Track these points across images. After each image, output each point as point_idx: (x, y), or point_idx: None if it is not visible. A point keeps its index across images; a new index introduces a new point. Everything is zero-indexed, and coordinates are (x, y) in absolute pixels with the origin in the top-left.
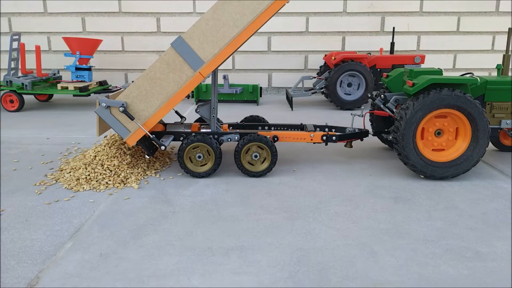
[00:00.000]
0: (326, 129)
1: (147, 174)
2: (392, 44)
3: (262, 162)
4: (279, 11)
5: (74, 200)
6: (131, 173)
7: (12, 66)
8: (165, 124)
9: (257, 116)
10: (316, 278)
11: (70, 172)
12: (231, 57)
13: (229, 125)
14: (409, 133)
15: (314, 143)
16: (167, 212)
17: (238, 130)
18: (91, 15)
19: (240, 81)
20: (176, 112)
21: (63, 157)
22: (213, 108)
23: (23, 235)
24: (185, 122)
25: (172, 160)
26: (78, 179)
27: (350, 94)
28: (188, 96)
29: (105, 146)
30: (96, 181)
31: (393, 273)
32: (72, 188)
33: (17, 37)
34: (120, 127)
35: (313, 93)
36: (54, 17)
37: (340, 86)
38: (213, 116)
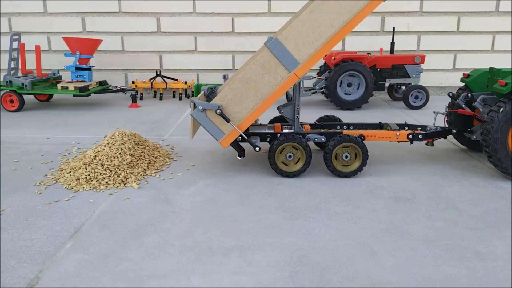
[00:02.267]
0: (406, 128)
1: (147, 174)
2: (392, 44)
3: (353, 163)
4: (279, 11)
5: (74, 200)
6: (131, 173)
7: (12, 66)
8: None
9: (333, 116)
10: (316, 278)
11: (70, 172)
12: (231, 56)
13: (309, 125)
14: (502, 134)
15: (399, 142)
16: (167, 212)
17: (322, 130)
18: (91, 15)
19: None
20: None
21: (63, 157)
22: (297, 108)
23: (23, 235)
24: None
25: (172, 160)
26: (78, 179)
27: (350, 94)
28: (188, 96)
29: (105, 146)
30: (96, 181)
31: (393, 273)
32: (72, 188)
33: (17, 37)
34: (215, 129)
35: (313, 93)
36: (54, 17)
37: (340, 86)
38: (297, 116)
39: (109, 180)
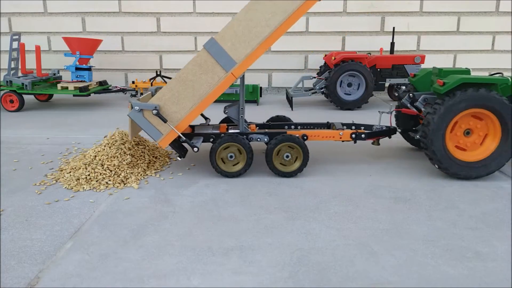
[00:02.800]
0: (353, 127)
1: (147, 174)
2: (392, 44)
3: (294, 162)
4: None
5: (74, 200)
6: (131, 173)
7: (12, 66)
8: (192, 126)
9: (284, 116)
10: (316, 278)
11: (70, 172)
12: None
13: (256, 125)
14: (439, 128)
15: (343, 141)
16: (167, 212)
17: (266, 130)
18: (91, 15)
19: None
20: (201, 114)
21: (63, 157)
22: (241, 108)
23: (23, 235)
24: (209, 123)
25: (172, 160)
26: (78, 179)
27: (350, 94)
28: None
29: (105, 146)
30: (96, 181)
31: (393, 273)
32: (72, 188)
33: (17, 37)
34: (153, 129)
35: (313, 93)
36: (54, 17)
37: (340, 86)
38: (241, 116)
39: (109, 180)
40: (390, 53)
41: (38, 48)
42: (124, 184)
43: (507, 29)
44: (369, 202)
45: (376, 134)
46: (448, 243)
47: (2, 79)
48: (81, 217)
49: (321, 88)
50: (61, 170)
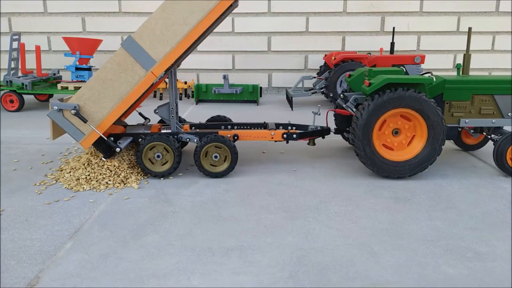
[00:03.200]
0: (289, 127)
1: (147, 174)
2: (392, 44)
3: (223, 162)
4: (279, 11)
5: (74, 200)
6: (131, 173)
7: (12, 66)
8: (126, 126)
9: (224, 116)
10: (316, 278)
11: (70, 172)
12: (231, 57)
13: (192, 125)
14: (364, 132)
15: (275, 141)
16: (167, 212)
17: (198, 130)
18: (91, 15)
19: (240, 81)
20: (140, 113)
21: (63, 157)
22: (172, 108)
23: (23, 235)
24: (148, 123)
25: None
26: (78, 179)
27: None
28: (188, 96)
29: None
30: (96, 181)
31: (393, 273)
32: (72, 188)
33: (17, 37)
34: (74, 130)
35: (313, 93)
36: (54, 17)
37: (340, 86)
38: (172, 116)
39: (109, 180)
40: (390, 53)
41: (38, 48)
42: (124, 184)
43: (507, 29)
44: (369, 202)
45: (308, 134)
46: (448, 243)
47: (2, 79)
48: (81, 217)
49: (321, 88)
50: (61, 170)
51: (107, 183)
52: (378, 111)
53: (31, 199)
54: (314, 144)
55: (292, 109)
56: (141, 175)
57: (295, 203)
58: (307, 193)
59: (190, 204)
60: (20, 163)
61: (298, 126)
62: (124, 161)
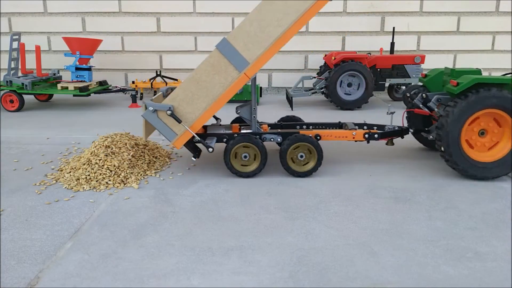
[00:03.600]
0: (365, 127)
1: (147, 174)
2: (392, 44)
3: (308, 162)
4: None
5: (74, 200)
6: (131, 173)
7: (12, 66)
8: (205, 127)
9: (293, 116)
10: (316, 278)
11: (70, 172)
12: None
13: (268, 125)
14: (454, 132)
15: (355, 141)
16: (167, 212)
17: (279, 130)
18: (91, 15)
19: None
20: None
21: (63, 157)
22: (254, 108)
23: (23, 235)
24: (220, 123)
25: (172, 160)
26: (78, 179)
27: (350, 94)
28: None
29: (104, 146)
30: (96, 181)
31: (393, 273)
32: (72, 188)
33: (17, 37)
34: (167, 130)
35: (313, 93)
36: (54, 17)
37: (340, 86)
38: (254, 116)
39: (109, 180)
40: (390, 53)
41: (38, 48)
42: (124, 184)
43: (507, 29)
44: (369, 202)
45: (389, 134)
46: (448, 243)
47: (2, 79)
48: (81, 217)
49: (321, 88)
50: (61, 170)
51: (107, 183)
52: (469, 110)
53: (31, 199)
54: (392, 144)
55: (292, 109)
56: (141, 175)
57: (295, 203)
58: (307, 193)
59: (190, 204)
60: (20, 163)
61: (374, 126)
62: (124, 161)
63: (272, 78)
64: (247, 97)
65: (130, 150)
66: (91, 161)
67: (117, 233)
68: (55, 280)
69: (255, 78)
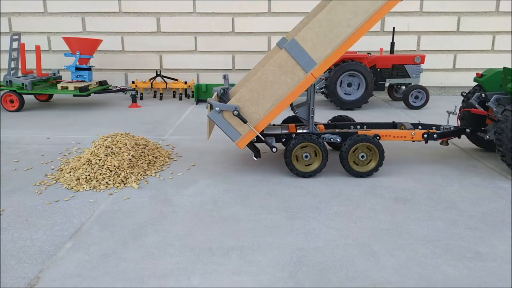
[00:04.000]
0: (419, 127)
1: (147, 174)
2: (392, 44)
3: (369, 162)
4: (279, 11)
5: (74, 200)
6: (131, 173)
7: (12, 66)
8: None
9: (346, 116)
10: (316, 278)
11: (70, 172)
12: (231, 56)
13: (323, 125)
14: None
15: (413, 141)
16: (167, 212)
17: (337, 130)
18: (91, 15)
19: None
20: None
21: (63, 157)
22: (312, 108)
23: (23, 235)
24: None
25: (172, 160)
26: (78, 179)
27: (350, 94)
28: (188, 96)
29: (104, 146)
30: (96, 181)
31: (393, 273)
32: (72, 188)
33: (17, 37)
34: (232, 130)
35: None
36: (54, 17)
37: (340, 86)
38: (312, 116)
39: (109, 180)
40: (390, 53)
41: (38, 48)
42: (124, 184)
43: (507, 29)
44: (369, 202)
45: (446, 134)
46: (448, 243)
47: (2, 79)
48: (81, 217)
49: (321, 88)
50: (61, 170)
51: (107, 183)
52: None
53: (31, 199)
54: (447, 144)
55: (292, 109)
56: (141, 175)
57: (295, 203)
58: (307, 193)
59: (190, 204)
60: (20, 163)
61: (432, 126)
62: (124, 161)
63: None
64: None
65: (130, 150)
66: (91, 161)
67: (117, 233)
68: (55, 280)
69: None
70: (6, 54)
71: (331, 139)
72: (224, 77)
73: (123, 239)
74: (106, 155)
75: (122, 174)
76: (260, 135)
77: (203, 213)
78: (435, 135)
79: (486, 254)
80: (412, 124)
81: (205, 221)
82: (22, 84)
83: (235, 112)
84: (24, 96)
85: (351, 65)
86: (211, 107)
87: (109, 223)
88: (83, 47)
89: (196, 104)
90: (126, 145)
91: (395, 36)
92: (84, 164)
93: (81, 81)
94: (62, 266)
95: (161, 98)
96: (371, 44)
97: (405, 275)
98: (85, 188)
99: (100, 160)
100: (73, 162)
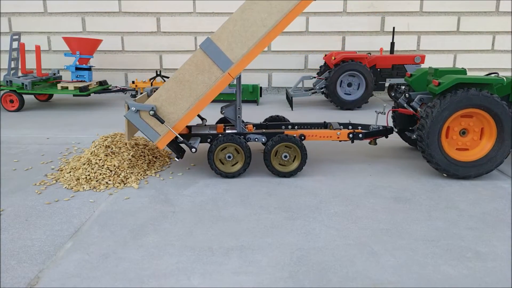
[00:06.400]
0: (350, 127)
1: (147, 174)
2: (392, 44)
3: (293, 162)
4: None
5: (74, 200)
6: (131, 173)
7: (12, 66)
8: (189, 127)
9: (278, 116)
10: (316, 278)
11: (70, 172)
12: None
13: (253, 125)
14: (434, 131)
15: (340, 141)
16: (167, 212)
17: (264, 130)
18: (91, 15)
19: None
20: (198, 114)
21: (63, 157)
22: (239, 108)
23: (23, 235)
24: (206, 123)
25: (172, 160)
26: (78, 179)
27: (350, 94)
28: None
29: (104, 146)
30: (96, 181)
31: (393, 273)
32: (72, 188)
33: (17, 37)
34: (150, 130)
35: (313, 93)
36: (54, 17)
37: (340, 86)
38: (239, 116)
39: (109, 180)
40: (390, 53)
41: (38, 48)
42: (124, 184)
43: (507, 29)
44: (369, 202)
45: (373, 134)
46: (448, 243)
47: (2, 79)
48: (81, 217)
49: (321, 88)
50: (61, 170)
51: (107, 183)
52: (449, 110)
53: (31, 199)
54: (375, 143)
55: (292, 109)
56: (141, 175)
57: (295, 203)
58: (307, 193)
59: (190, 204)
60: (20, 163)
61: (359, 126)
62: (124, 161)
63: (272, 78)
64: (246, 97)
65: (130, 150)
66: (91, 161)
67: (117, 233)
68: (55, 280)
69: (239, 77)
70: (6, 54)
71: (256, 139)
72: None
73: (123, 239)
74: (106, 155)
75: (122, 174)
76: (178, 136)
77: (203, 213)
78: (360, 135)
79: (486, 254)
80: (342, 124)
81: (205, 221)
82: (22, 84)
83: (151, 112)
84: (24, 96)
85: (351, 65)
86: (129, 107)
87: (109, 223)
88: (83, 47)
89: None
90: (126, 145)
91: (395, 36)
92: (84, 164)
93: (81, 81)
94: (62, 266)
95: None
96: (371, 44)
97: (405, 275)
98: (85, 188)
99: (100, 160)
100: (73, 162)
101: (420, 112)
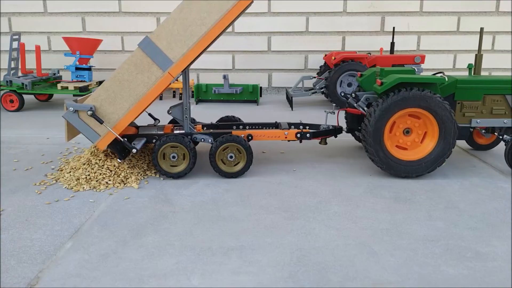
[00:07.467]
0: (301, 127)
1: (147, 174)
2: (392, 44)
3: (238, 163)
4: (279, 11)
5: (74, 200)
6: (131, 173)
7: (12, 66)
8: (137, 127)
9: (233, 116)
10: (316, 278)
11: (70, 172)
12: (231, 56)
13: (204, 125)
14: (376, 131)
15: (288, 140)
16: (167, 212)
17: (212, 131)
18: (91, 15)
19: (240, 81)
20: (149, 114)
21: (63, 157)
22: (186, 109)
23: (23, 235)
24: (158, 124)
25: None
26: (78, 179)
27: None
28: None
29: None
30: (96, 181)
31: (393, 273)
32: (72, 188)
33: (17, 37)
34: (90, 131)
35: (313, 93)
36: (54, 17)
37: (340, 86)
38: (186, 117)
39: (109, 180)
40: (390, 53)
41: (38, 48)
42: (124, 184)
43: (507, 29)
44: (369, 202)
45: (321, 133)
46: (448, 243)
47: (2, 79)
48: (81, 217)
49: (321, 88)
50: (61, 170)
51: (107, 183)
52: (390, 110)
53: (31, 199)
54: (326, 143)
55: (292, 109)
56: (141, 175)
57: (295, 203)
58: (307, 193)
59: (190, 204)
60: (20, 163)
61: (310, 126)
62: (124, 161)
63: (272, 78)
64: (246, 97)
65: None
66: (91, 161)
67: (117, 233)
68: (55, 280)
69: (187, 75)
70: (6, 54)
71: (202, 139)
72: (224, 77)
73: (123, 239)
74: (106, 155)
75: (122, 174)
76: (118, 136)
77: (203, 213)
78: (308, 135)
79: (486, 254)
80: (293, 124)
81: (205, 221)
82: (22, 84)
83: (89, 112)
84: (24, 96)
85: (351, 65)
86: (67, 108)
87: (109, 223)
88: (83, 47)
89: (196, 104)
90: None
91: (395, 36)
92: (84, 164)
93: (81, 81)
94: (62, 266)
95: (161, 98)
96: (371, 44)
97: (405, 275)
98: (85, 188)
99: (100, 160)
100: (73, 162)
101: (366, 111)
